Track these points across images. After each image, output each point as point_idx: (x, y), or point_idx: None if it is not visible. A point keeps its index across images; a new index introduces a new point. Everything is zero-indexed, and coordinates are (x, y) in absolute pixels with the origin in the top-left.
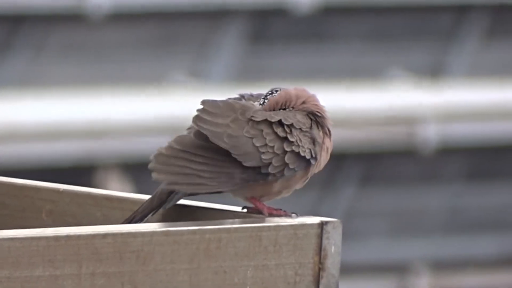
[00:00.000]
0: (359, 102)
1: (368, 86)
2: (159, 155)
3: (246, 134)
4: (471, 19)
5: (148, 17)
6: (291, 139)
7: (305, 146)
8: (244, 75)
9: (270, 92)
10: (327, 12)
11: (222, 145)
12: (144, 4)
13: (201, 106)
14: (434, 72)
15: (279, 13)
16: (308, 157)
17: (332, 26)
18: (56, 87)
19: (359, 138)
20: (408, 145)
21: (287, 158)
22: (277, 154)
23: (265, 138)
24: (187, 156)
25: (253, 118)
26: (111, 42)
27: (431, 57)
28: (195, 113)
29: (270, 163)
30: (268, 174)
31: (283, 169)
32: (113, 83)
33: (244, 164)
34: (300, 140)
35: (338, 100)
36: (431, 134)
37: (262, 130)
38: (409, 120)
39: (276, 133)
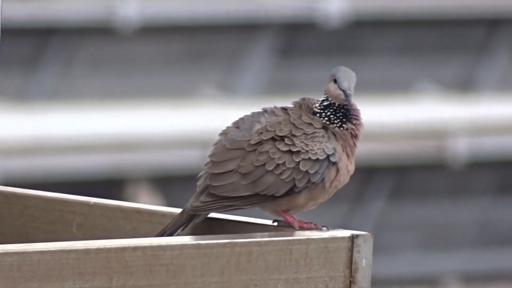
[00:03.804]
0: (389, 116)
1: (399, 100)
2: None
3: (257, 164)
4: (502, 33)
5: (177, 30)
6: (294, 149)
7: (315, 148)
8: (273, 88)
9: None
10: (357, 25)
11: (244, 193)
12: (174, 18)
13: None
14: (465, 85)
15: (309, 26)
16: (322, 157)
17: (362, 40)
18: (86, 100)
19: (389, 151)
20: (438, 159)
21: (302, 166)
22: (292, 168)
23: (274, 158)
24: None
25: (251, 142)
26: (141, 55)
27: (461, 70)
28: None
29: (293, 179)
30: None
31: (309, 178)
32: (143, 97)
33: (277, 196)
34: (306, 145)
35: (368, 113)
36: (461, 147)
37: (268, 152)
38: (439, 133)
39: (279, 149)
